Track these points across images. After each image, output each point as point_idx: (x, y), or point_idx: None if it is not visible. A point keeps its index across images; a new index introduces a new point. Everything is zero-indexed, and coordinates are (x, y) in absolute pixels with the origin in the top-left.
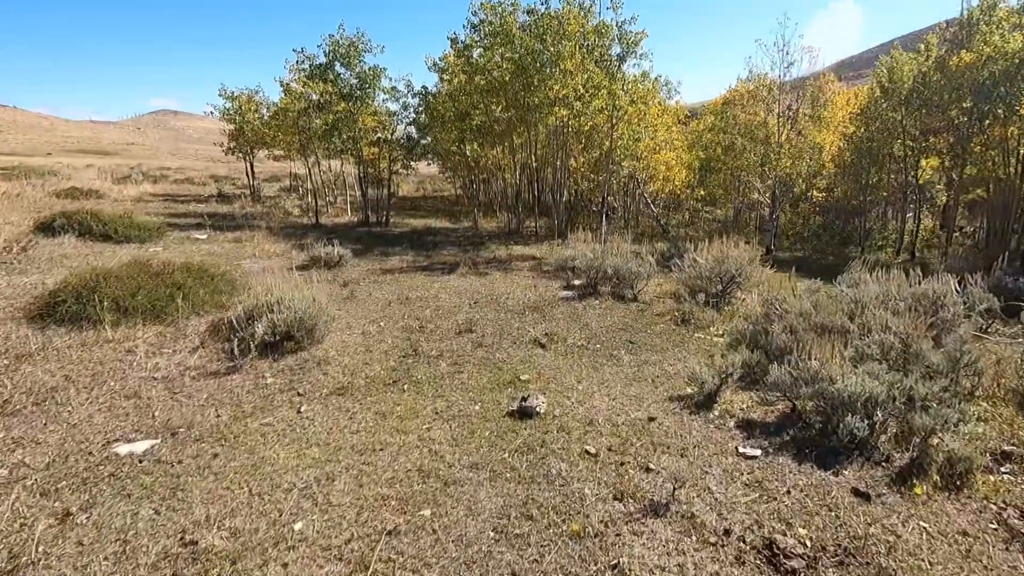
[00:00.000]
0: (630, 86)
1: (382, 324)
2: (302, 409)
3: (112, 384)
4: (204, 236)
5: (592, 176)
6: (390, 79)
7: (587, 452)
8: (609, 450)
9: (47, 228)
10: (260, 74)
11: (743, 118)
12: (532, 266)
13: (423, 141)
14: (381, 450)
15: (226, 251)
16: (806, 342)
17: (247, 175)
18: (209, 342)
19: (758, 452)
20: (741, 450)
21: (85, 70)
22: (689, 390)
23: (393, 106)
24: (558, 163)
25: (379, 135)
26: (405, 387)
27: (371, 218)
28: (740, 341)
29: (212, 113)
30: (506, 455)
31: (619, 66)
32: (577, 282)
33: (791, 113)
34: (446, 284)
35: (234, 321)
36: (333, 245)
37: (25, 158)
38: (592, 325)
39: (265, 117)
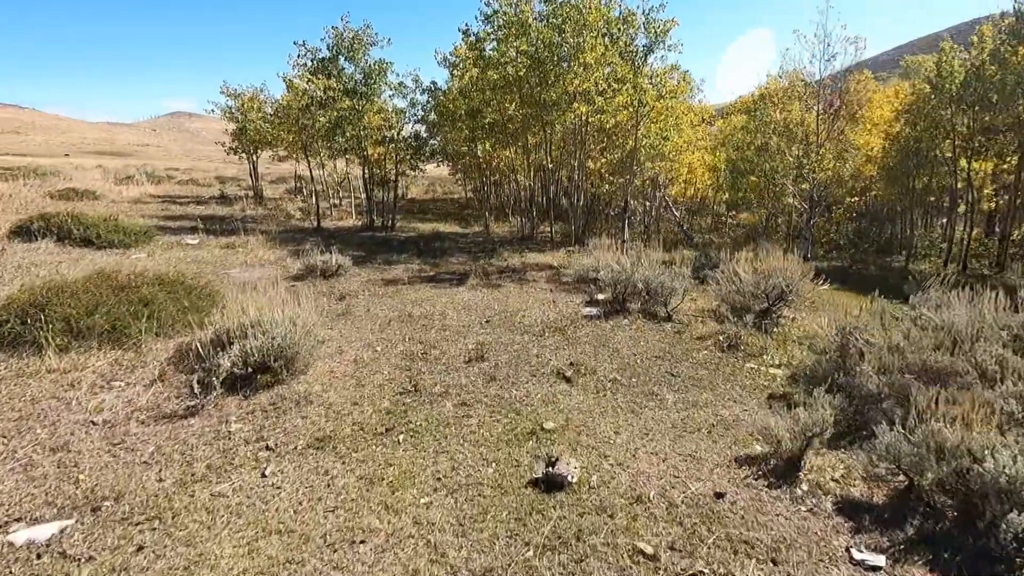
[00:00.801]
0: (659, 79)
1: (378, 349)
2: (268, 471)
3: (39, 432)
4: (195, 241)
5: (611, 178)
6: (397, 74)
7: (641, 552)
8: (671, 548)
9: (24, 232)
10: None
11: (779, 116)
12: (549, 277)
13: (432, 141)
14: (362, 542)
15: (216, 258)
16: (910, 390)
17: (251, 176)
18: (171, 373)
19: (881, 560)
20: (856, 556)
21: (103, 73)
22: (759, 448)
23: (400, 103)
24: (575, 164)
25: (385, 134)
26: (400, 438)
27: (376, 222)
28: (807, 378)
29: (213, 111)
30: (530, 553)
31: (645, 58)
32: (601, 297)
33: (832, 111)
34: (455, 298)
35: (199, 348)
36: (331, 252)
37: (42, 159)
38: (623, 351)
39: (268, 115)
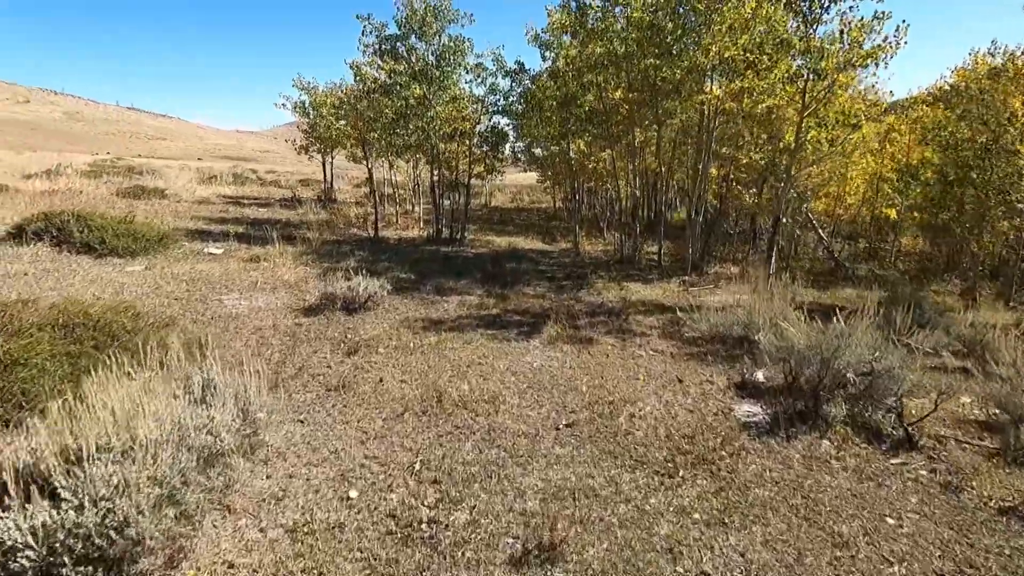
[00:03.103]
0: (852, 34)
1: (354, 496)
2: None
3: None
4: (220, 250)
5: (740, 189)
6: (477, 55)
7: None
8: None
9: (20, 234)
10: None
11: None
12: (665, 326)
13: (512, 136)
14: None
15: (226, 275)
16: None
17: (324, 179)
18: None
19: None
20: None
21: (236, 85)
22: None
23: (478, 90)
24: (695, 168)
25: (458, 126)
26: None
27: (443, 233)
28: None
29: (284, 106)
30: None
31: (826, 8)
32: (761, 376)
33: None
34: (520, 362)
35: None
36: (365, 275)
37: (177, 160)
38: (857, 546)
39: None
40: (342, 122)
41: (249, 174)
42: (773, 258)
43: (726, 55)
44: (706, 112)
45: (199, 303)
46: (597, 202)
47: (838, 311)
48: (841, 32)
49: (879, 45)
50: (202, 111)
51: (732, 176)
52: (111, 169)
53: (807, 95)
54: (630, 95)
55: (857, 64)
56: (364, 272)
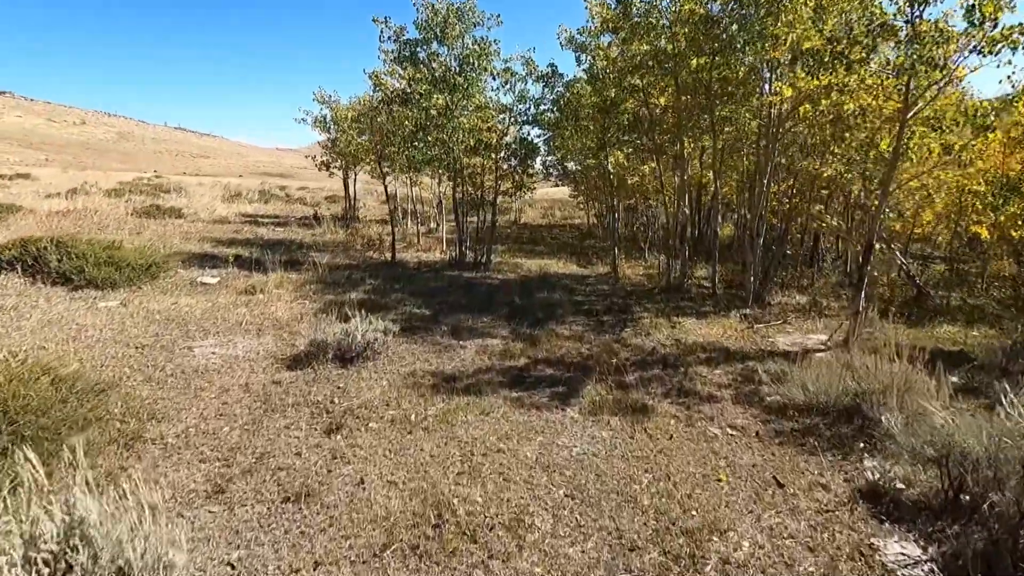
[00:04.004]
0: (985, 9)
1: None
2: None
3: None
4: (215, 279)
5: (807, 205)
6: (505, 60)
7: None
8: None
9: None
10: None
11: None
12: (737, 383)
13: (542, 149)
14: None
15: (211, 311)
16: None
17: (346, 197)
18: None
19: None
20: None
21: (276, 105)
22: None
23: (506, 99)
24: (762, 180)
25: (482, 138)
26: None
27: (467, 256)
28: None
29: (304, 120)
30: None
31: None
32: (898, 479)
33: None
34: (553, 452)
35: None
36: (363, 315)
37: (220, 177)
38: None
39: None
40: (363, 137)
41: (277, 191)
42: (862, 295)
43: (805, 46)
44: (771, 116)
45: (163, 353)
46: (636, 220)
47: (943, 357)
48: (971, 6)
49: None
50: (244, 129)
51: (795, 190)
52: (138, 188)
53: (910, 92)
54: (681, 99)
55: (986, 51)
56: (367, 310)
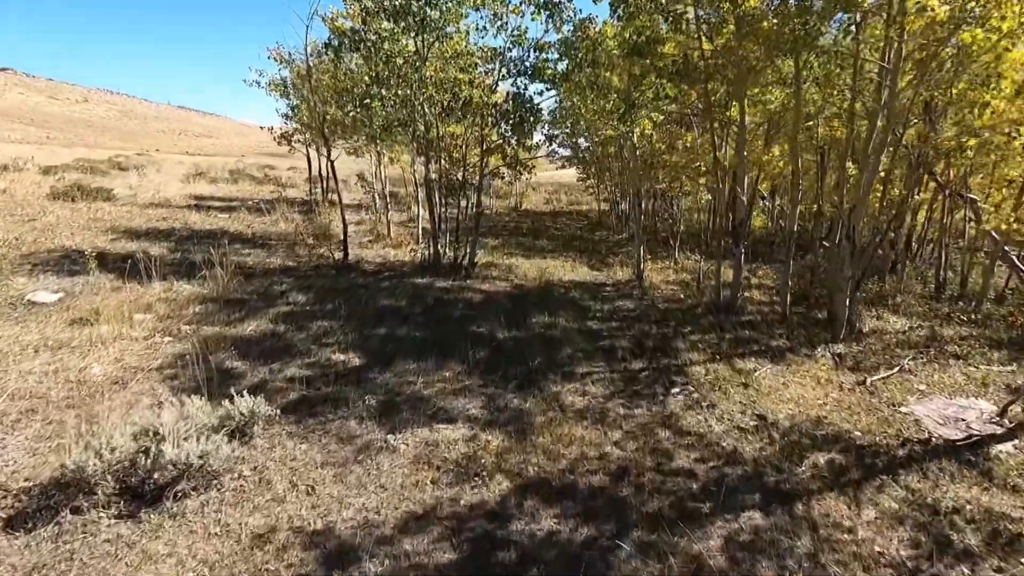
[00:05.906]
0: None
1: None
2: None
3: None
4: (55, 297)
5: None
6: None
7: None
8: None
9: None
10: None
11: None
12: (918, 559)
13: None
14: None
15: None
16: None
17: (314, 177)
18: None
19: None
20: None
21: None
22: None
23: (495, 41)
24: (883, 157)
25: (463, 93)
26: None
27: (445, 255)
28: None
29: (257, 83)
30: None
31: None
32: None
33: None
34: None
35: None
36: (202, 396)
37: (221, 157)
38: None
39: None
40: (347, 108)
41: (255, 171)
42: None
43: None
44: (889, 56)
45: None
46: (665, 209)
47: None
48: None
49: None
50: (250, 110)
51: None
52: (87, 167)
53: None
54: (743, 49)
55: None
56: (254, 359)
